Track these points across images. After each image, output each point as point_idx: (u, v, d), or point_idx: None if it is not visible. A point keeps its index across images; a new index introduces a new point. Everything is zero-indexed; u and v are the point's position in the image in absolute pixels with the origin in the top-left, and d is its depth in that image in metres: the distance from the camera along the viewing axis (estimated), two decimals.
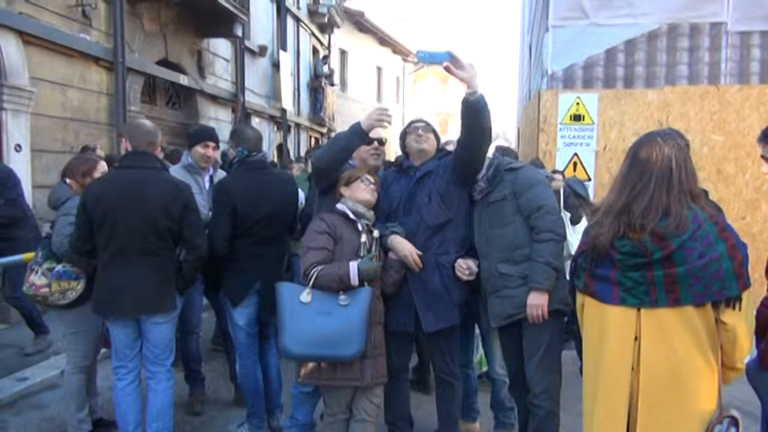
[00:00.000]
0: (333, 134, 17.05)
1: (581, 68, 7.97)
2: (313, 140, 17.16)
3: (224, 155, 4.44)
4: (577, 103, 7.52)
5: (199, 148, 3.85)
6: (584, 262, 2.22)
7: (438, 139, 3.14)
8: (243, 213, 3.30)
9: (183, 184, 3.19)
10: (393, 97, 24.54)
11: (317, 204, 3.15)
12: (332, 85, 17.10)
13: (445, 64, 2.59)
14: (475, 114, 2.70)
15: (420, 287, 2.93)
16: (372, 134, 2.92)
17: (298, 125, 15.34)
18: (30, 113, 6.17)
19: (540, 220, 2.76)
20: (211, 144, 3.89)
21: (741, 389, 2.50)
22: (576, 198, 4.92)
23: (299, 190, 3.74)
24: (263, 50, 12.62)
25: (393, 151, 20.85)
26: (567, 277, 2.56)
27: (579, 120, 7.53)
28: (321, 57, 16.57)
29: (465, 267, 2.90)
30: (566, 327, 2.85)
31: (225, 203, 3.29)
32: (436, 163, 3.02)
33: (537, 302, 2.74)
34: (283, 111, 13.30)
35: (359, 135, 2.82)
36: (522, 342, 2.89)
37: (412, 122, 3.15)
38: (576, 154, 7.60)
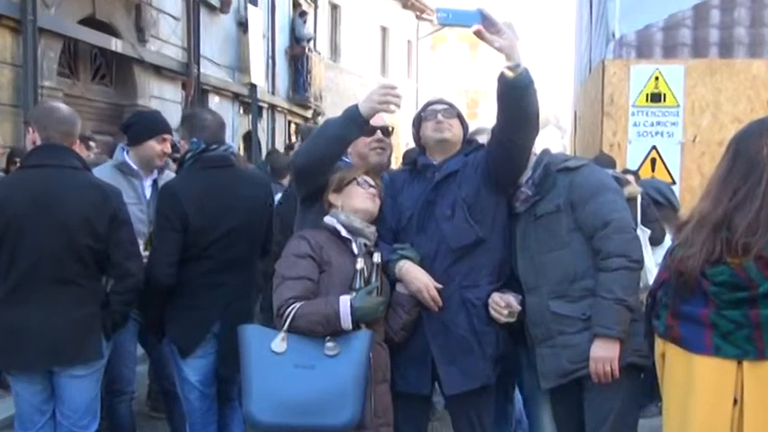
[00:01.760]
0: (321, 120, 17.16)
1: (661, 30, 7.99)
2: (293, 128, 17.22)
3: (173, 148, 4.45)
4: (656, 78, 7.53)
5: (154, 144, 3.85)
6: (665, 296, 2.22)
7: (465, 126, 3.13)
8: (197, 228, 3.30)
9: (110, 188, 3.20)
10: (403, 69, 24.64)
11: (300, 217, 3.15)
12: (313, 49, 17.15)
13: (475, 27, 2.59)
14: (516, 96, 2.70)
15: (440, 333, 2.91)
16: (374, 121, 2.93)
17: (272, 107, 15.41)
18: None
19: (607, 241, 2.74)
20: (169, 138, 3.92)
21: None
22: (657, 209, 4.90)
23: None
24: (225, 5, 12.71)
25: (403, 144, 20.97)
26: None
27: (659, 100, 7.54)
28: (299, 12, 16.65)
29: (503, 305, 2.88)
30: (644, 387, 2.83)
31: (172, 215, 3.29)
32: (463, 160, 3.02)
33: (604, 355, 2.71)
34: (253, 87, 13.38)
35: (356, 123, 2.82)
36: (583, 409, 2.86)
37: (429, 104, 3.15)
38: (654, 147, 7.59)
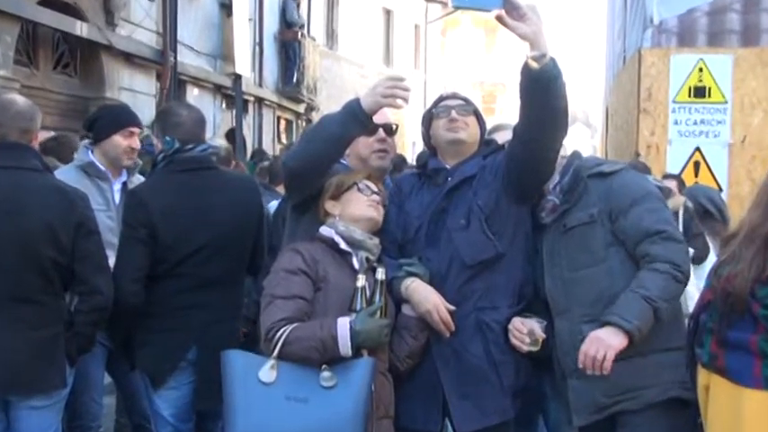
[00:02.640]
0: (315, 115, 17.15)
1: (706, 15, 8.01)
2: (283, 124, 17.23)
3: (148, 147, 4.48)
4: (700, 69, 7.55)
5: (119, 139, 3.88)
6: (709, 320, 2.23)
7: (483, 125, 3.15)
8: (167, 242, 3.31)
9: (76, 192, 3.21)
10: (409, 57, 24.67)
11: (289, 227, 3.16)
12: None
13: (495, 12, 2.60)
14: (542, 90, 2.71)
15: (451, 361, 2.92)
16: (376, 118, 2.92)
17: (259, 100, 15.43)
18: None
19: (655, 246, 2.75)
20: (137, 131, 3.95)
21: None
22: (702, 220, 4.89)
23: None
24: None
25: (409, 144, 20.84)
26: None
27: (703, 95, 7.56)
28: None
29: (525, 331, 2.89)
30: (686, 423, 2.83)
31: (137, 224, 3.30)
32: (479, 164, 3.03)
33: (604, 338, 2.66)
34: (237, 78, 13.38)
35: (357, 119, 2.82)
36: None
37: (442, 99, 3.16)
38: (698, 149, 7.60)
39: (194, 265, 3.35)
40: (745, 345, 2.13)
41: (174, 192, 3.38)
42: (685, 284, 2.78)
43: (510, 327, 2.91)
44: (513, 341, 2.89)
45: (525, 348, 2.88)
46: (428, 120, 3.14)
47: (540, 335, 2.88)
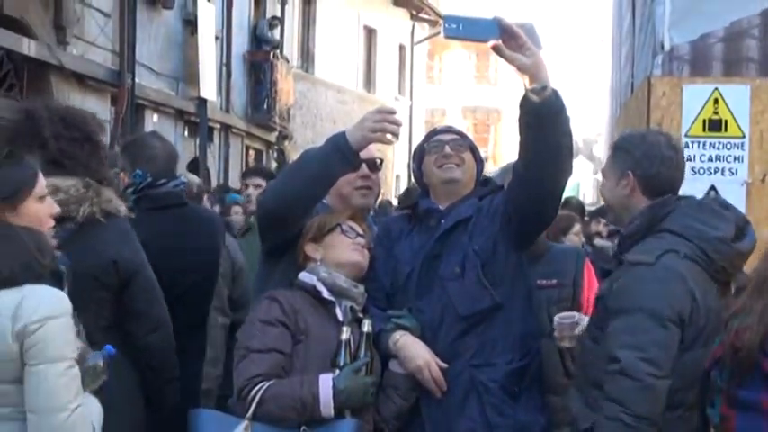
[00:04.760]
0: (287, 145, 17.17)
1: (721, 41, 8.10)
2: (252, 154, 17.22)
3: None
4: (715, 101, 7.62)
5: None
6: (719, 377, 2.25)
7: (479, 162, 3.20)
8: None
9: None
10: (393, 81, 24.72)
11: (262, 274, 3.19)
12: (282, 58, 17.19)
13: (492, 43, 2.63)
14: (544, 126, 2.74)
15: (442, 423, 2.92)
16: (363, 153, 2.95)
17: (226, 128, 15.41)
18: None
19: (611, 381, 2.61)
20: None
21: None
22: None
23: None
24: None
25: (392, 176, 20.74)
26: None
27: (719, 128, 7.62)
28: (268, 18, 16.74)
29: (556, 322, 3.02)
30: None
31: None
32: (475, 205, 3.06)
33: None
34: (201, 102, 13.43)
35: (343, 156, 2.85)
36: None
37: (434, 133, 3.21)
38: (713, 188, 7.61)
39: (173, 313, 3.35)
40: (757, 405, 2.13)
41: (152, 232, 3.36)
42: (645, 426, 2.57)
43: (555, 320, 3.09)
44: (557, 333, 3.09)
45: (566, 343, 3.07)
46: (420, 156, 3.18)
47: (577, 333, 3.03)
